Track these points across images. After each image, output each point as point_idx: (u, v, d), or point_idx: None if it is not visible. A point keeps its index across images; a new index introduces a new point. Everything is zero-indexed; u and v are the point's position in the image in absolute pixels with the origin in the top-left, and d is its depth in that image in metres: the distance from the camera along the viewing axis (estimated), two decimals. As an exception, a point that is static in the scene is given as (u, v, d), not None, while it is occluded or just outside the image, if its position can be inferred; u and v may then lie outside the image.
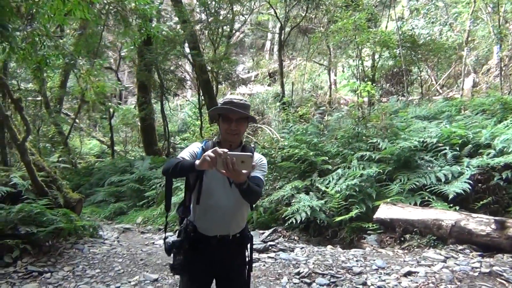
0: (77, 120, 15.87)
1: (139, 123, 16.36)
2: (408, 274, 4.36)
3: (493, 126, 7.35)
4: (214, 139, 2.56)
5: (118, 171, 12.61)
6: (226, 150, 2.01)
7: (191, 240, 2.44)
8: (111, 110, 15.22)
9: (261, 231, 6.68)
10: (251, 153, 2.14)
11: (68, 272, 4.96)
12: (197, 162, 2.10)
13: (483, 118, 8.46)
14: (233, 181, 2.18)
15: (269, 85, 22.54)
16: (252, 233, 2.70)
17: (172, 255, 2.48)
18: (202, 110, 15.40)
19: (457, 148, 6.93)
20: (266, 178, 7.51)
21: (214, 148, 2.03)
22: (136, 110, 16.67)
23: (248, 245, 2.59)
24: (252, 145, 2.99)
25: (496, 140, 6.64)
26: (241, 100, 2.43)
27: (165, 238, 2.56)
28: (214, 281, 2.59)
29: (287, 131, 9.89)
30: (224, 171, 2.02)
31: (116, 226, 8.60)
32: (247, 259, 2.58)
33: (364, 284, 4.33)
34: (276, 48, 25.72)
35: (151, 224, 8.70)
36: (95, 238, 6.48)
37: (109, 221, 9.65)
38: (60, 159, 10.04)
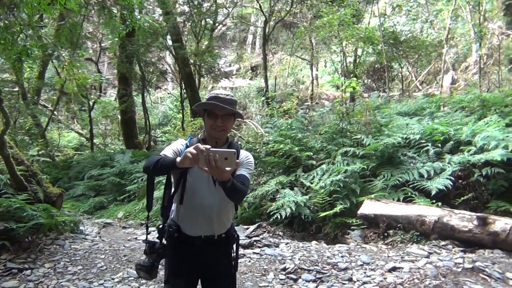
0: (55, 112, 15.51)
1: (119, 116, 16.08)
2: (393, 269, 4.42)
3: (474, 123, 7.47)
4: (199, 136, 2.48)
5: (97, 164, 12.39)
6: (208, 146, 1.94)
7: (174, 241, 2.37)
8: (91, 102, 14.93)
9: (245, 227, 6.66)
10: (235, 150, 2.04)
11: (49, 269, 4.84)
12: (178, 159, 2.03)
13: (463, 115, 8.62)
14: (217, 179, 2.10)
15: (251, 79, 22.48)
16: (236, 228, 2.64)
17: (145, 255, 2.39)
18: (184, 104, 15.24)
19: (439, 145, 7.04)
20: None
21: (196, 145, 1.96)
22: (116, 102, 16.38)
23: (234, 245, 2.52)
24: (239, 143, 2.89)
25: (476, 137, 6.75)
26: (227, 95, 2.35)
27: (146, 238, 2.48)
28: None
29: (271, 126, 9.88)
30: (207, 169, 1.94)
31: (96, 221, 8.46)
32: (233, 259, 2.51)
33: (350, 280, 4.36)
34: (258, 41, 25.66)
35: (132, 219, 8.58)
36: (76, 233, 6.34)
37: (89, 215, 9.48)
38: (40, 152, 9.76)
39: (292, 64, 19.21)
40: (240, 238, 2.72)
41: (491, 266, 4.22)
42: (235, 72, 23.81)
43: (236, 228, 2.61)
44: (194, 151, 1.93)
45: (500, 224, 4.73)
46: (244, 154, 2.46)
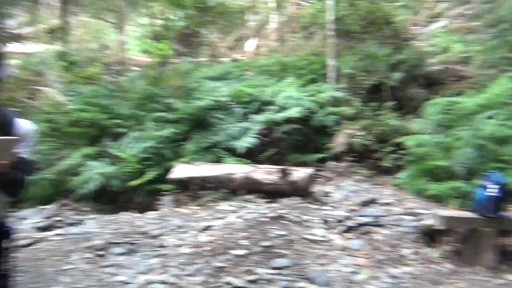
0: None
1: None
2: (205, 229, 4.45)
3: (275, 85, 8.04)
4: None
5: None
6: None
7: None
8: None
9: (42, 207, 5.87)
10: (17, 137, 1.54)
11: None
12: None
13: (265, 77, 9.21)
14: None
15: (49, 44, 19.96)
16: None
17: None
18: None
19: (246, 106, 7.37)
20: (47, 147, 6.62)
21: None
22: None
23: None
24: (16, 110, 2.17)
25: (277, 97, 7.29)
26: None
27: None
28: None
29: (74, 93, 8.89)
30: None
31: None
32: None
33: (162, 246, 4.24)
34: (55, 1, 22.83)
35: None
36: None
37: None
38: None
39: (97, 28, 17.67)
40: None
41: (292, 212, 4.62)
42: (29, 36, 20.77)
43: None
44: None
45: (298, 174, 5.23)
46: (22, 126, 1.84)
